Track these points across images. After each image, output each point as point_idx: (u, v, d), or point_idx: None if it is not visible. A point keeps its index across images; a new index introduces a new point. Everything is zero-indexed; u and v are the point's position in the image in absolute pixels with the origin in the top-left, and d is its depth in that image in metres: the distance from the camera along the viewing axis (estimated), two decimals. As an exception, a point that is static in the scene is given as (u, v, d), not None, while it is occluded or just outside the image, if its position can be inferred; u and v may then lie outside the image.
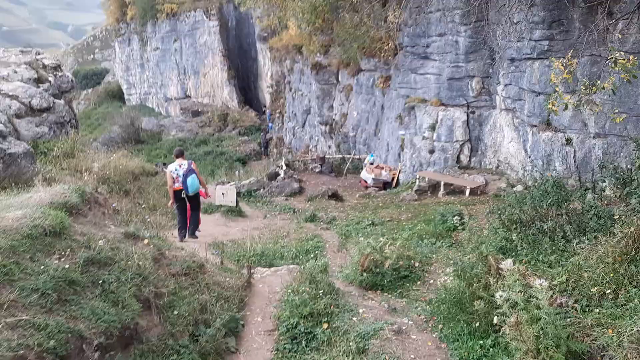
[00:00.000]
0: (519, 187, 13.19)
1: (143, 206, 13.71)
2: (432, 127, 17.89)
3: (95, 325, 4.63)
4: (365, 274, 7.91)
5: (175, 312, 5.76)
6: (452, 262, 7.09)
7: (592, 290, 5.47)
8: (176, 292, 6.10)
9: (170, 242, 7.89)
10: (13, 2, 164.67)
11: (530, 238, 7.96)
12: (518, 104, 15.01)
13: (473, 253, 6.83)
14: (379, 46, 18.83)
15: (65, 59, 75.11)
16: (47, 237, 5.22)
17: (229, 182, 20.93)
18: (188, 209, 11.01)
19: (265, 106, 44.78)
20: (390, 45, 18.44)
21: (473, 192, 15.35)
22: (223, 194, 15.87)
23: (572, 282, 6.02)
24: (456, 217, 10.42)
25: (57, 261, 4.98)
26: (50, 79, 17.18)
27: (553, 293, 5.91)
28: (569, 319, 5.17)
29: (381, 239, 8.44)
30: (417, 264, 8.33)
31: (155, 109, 52.51)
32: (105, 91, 58.76)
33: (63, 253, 5.15)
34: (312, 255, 9.94)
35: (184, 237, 10.94)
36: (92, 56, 73.93)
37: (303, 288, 6.94)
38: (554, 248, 7.40)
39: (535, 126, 14.24)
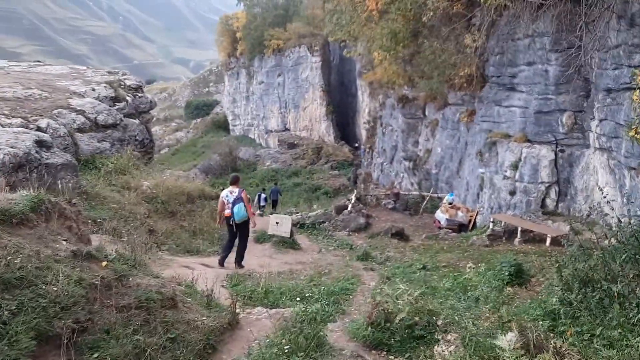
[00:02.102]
0: (612, 241, 10.91)
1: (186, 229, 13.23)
2: (515, 166, 15.82)
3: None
4: (370, 328, 6.45)
5: (95, 356, 4.73)
6: (459, 323, 5.46)
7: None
8: (111, 330, 5.09)
9: (150, 266, 6.99)
10: (145, 39, 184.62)
11: (592, 303, 6.17)
12: (614, 142, 12.63)
13: (493, 315, 5.23)
14: (455, 72, 17.22)
15: (182, 91, 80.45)
16: (-63, 248, 4.49)
17: (297, 213, 20.16)
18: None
19: (358, 142, 44.39)
20: (466, 71, 16.78)
21: (555, 241, 13.06)
22: (277, 222, 14.94)
23: (626, 374, 4.33)
24: (512, 267, 8.65)
25: None
26: (128, 98, 17.56)
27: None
28: None
29: (401, 285, 6.93)
30: (440, 322, 6.71)
31: (256, 140, 54.00)
32: (212, 121, 61.69)
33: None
34: (332, 298, 8.58)
35: (223, 262, 10.87)
36: (206, 89, 78.48)
37: (278, 340, 5.68)
38: (622, 320, 5.59)
39: (634, 169, 11.82)
